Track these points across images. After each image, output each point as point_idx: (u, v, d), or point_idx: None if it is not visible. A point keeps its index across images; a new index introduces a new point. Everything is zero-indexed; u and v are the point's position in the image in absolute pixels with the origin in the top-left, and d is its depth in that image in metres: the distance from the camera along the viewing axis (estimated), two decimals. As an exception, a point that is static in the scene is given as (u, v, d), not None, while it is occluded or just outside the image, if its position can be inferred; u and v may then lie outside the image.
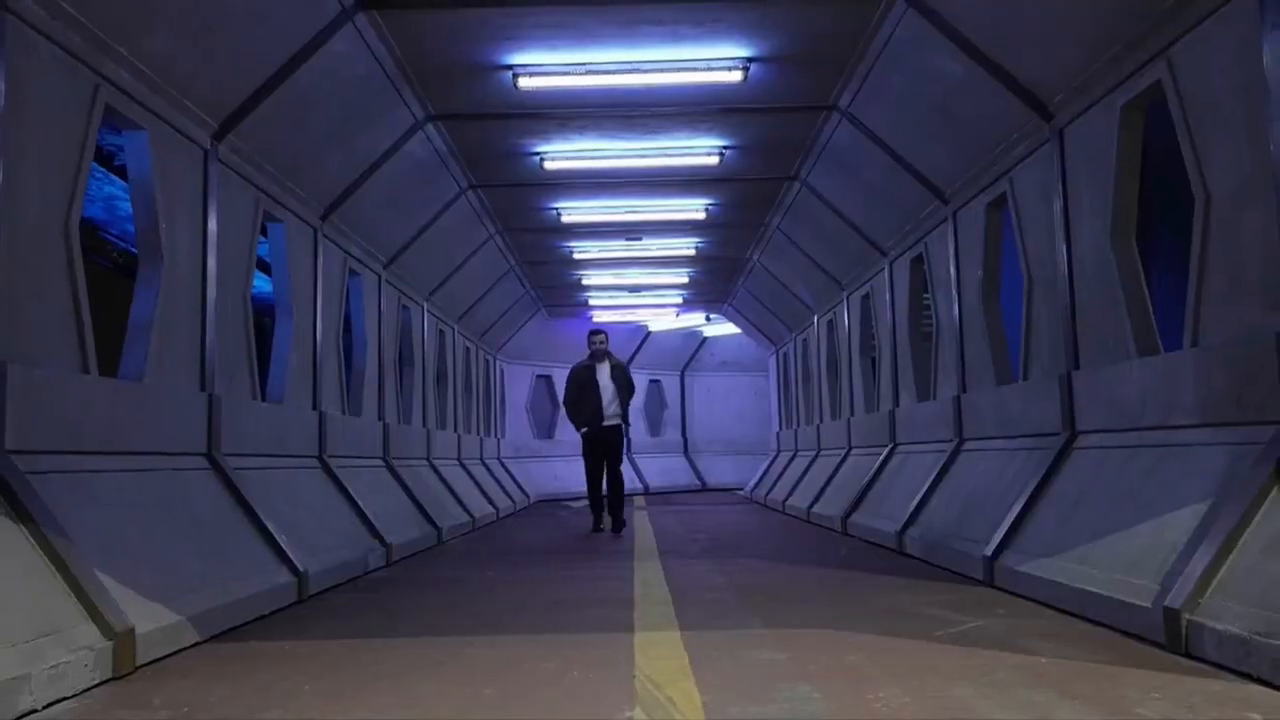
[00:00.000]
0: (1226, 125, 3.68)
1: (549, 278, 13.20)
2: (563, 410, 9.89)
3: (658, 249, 11.58)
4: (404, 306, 9.58)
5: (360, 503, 6.69)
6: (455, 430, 11.96)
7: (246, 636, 3.94)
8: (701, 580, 5.43)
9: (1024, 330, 5.71)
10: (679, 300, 15.29)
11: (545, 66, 6.03)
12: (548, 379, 18.06)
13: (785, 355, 15.20)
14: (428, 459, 10.11)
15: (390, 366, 8.94)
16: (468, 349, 13.12)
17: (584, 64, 5.98)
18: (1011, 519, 4.92)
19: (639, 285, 14.03)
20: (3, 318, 3.38)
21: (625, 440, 9.34)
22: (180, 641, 3.62)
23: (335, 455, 6.88)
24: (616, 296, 14.85)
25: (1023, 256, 5.67)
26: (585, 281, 13.56)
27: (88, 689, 2.98)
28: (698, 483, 19.54)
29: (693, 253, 11.72)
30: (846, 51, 5.93)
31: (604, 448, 9.10)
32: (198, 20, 4.33)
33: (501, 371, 16.36)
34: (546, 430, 18.18)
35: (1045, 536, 4.58)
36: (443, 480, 10.10)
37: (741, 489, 17.18)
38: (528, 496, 14.99)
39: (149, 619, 3.43)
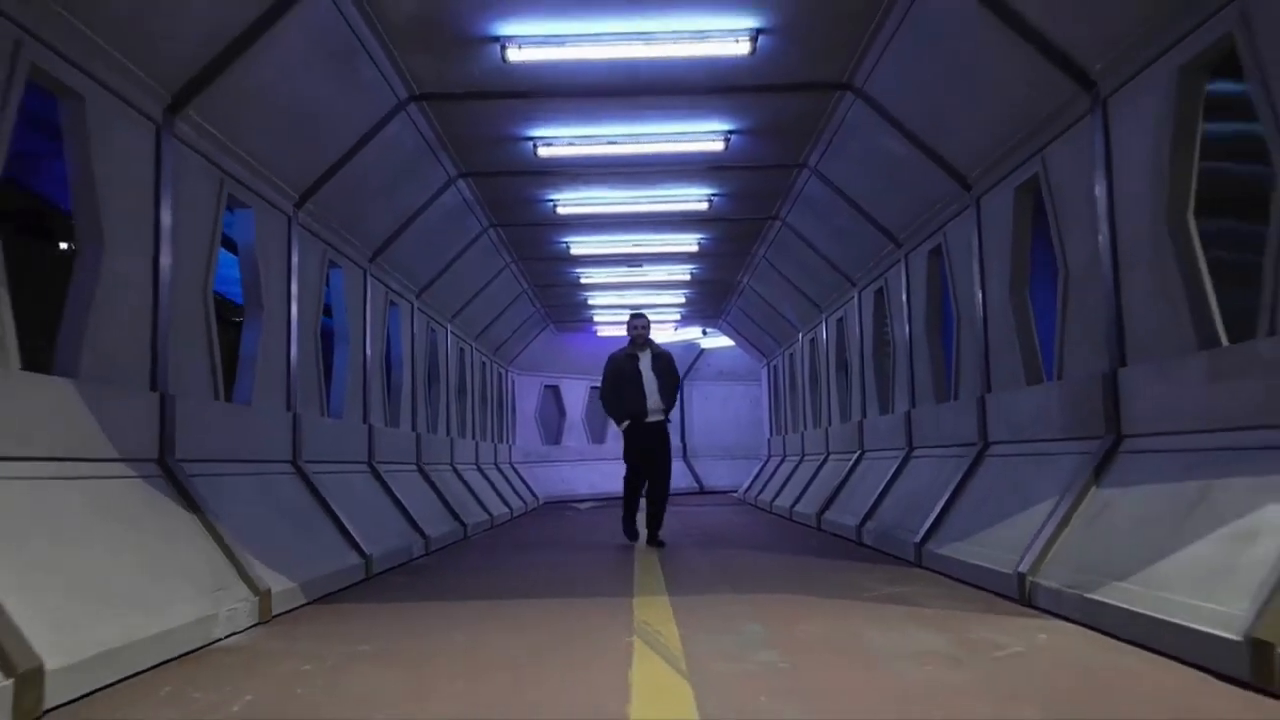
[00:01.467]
0: (1077, 216, 4.93)
1: (557, 298, 14.45)
2: (601, 405, 8.55)
3: (656, 275, 12.83)
4: (431, 329, 10.84)
5: (403, 502, 7.93)
6: (473, 438, 13.20)
7: (336, 601, 5.17)
8: (690, 563, 6.66)
9: (955, 358, 6.95)
10: (677, 316, 16.55)
11: (561, 137, 7.30)
12: (555, 389, 19.33)
13: (775, 367, 16.45)
14: (451, 464, 11.34)
15: (421, 383, 10.19)
16: (483, 364, 14.37)
17: (594, 136, 7.24)
18: (936, 513, 6.16)
19: (640, 305, 15.27)
20: (172, 362, 4.62)
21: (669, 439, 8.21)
22: (296, 601, 4.85)
23: (381, 461, 8.12)
24: (619, 314, 16.09)
25: (954, 298, 6.92)
26: (591, 302, 14.82)
27: (247, 628, 4.22)
28: (696, 485, 20.77)
29: (687, 277, 12.98)
30: (810, 127, 7.20)
31: (649, 448, 8.04)
32: (284, 121, 5.60)
33: (512, 382, 17.61)
34: (554, 437, 19.43)
35: (958, 525, 5.81)
36: (464, 483, 11.33)
37: (736, 491, 18.41)
38: (536, 498, 16.23)
39: (277, 583, 4.66)
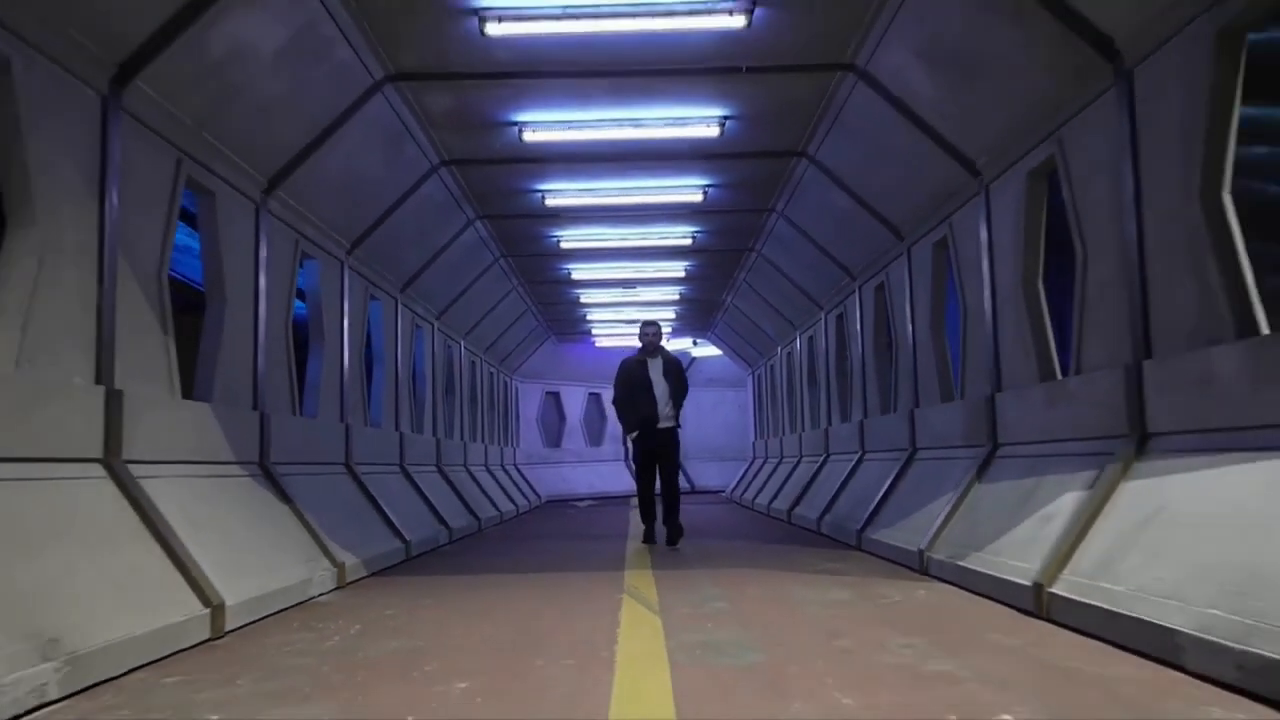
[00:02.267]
0: (972, 270, 6.30)
1: (559, 314, 15.82)
2: (611, 411, 8.24)
3: (648, 295, 14.20)
4: (448, 346, 12.20)
5: (430, 498, 9.29)
6: (482, 441, 14.56)
7: (389, 575, 6.53)
8: (675, 550, 8.01)
9: (894, 378, 8.33)
10: (668, 330, 17.92)
11: (568, 189, 8.68)
12: (556, 395, 20.69)
13: (759, 376, 17.82)
14: (464, 465, 12.70)
15: (440, 393, 11.55)
16: (491, 373, 15.74)
17: (596, 189, 8.63)
18: (873, 506, 7.53)
19: (634, 319, 16.64)
20: (266, 387, 5.98)
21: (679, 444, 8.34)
22: (361, 573, 6.21)
23: (410, 463, 9.48)
24: (615, 327, 17.47)
25: (892, 329, 8.29)
26: (589, 317, 16.19)
27: (331, 590, 5.57)
28: (687, 485, 22.12)
29: (676, 296, 14.36)
30: (778, 177, 8.58)
31: (659, 453, 8.18)
32: (341, 188, 6.95)
33: (516, 389, 18.97)
34: (554, 440, 20.79)
35: (888, 515, 7.18)
36: (476, 483, 12.69)
37: (725, 491, 19.78)
38: (539, 497, 17.58)
39: (348, 559, 6.01)
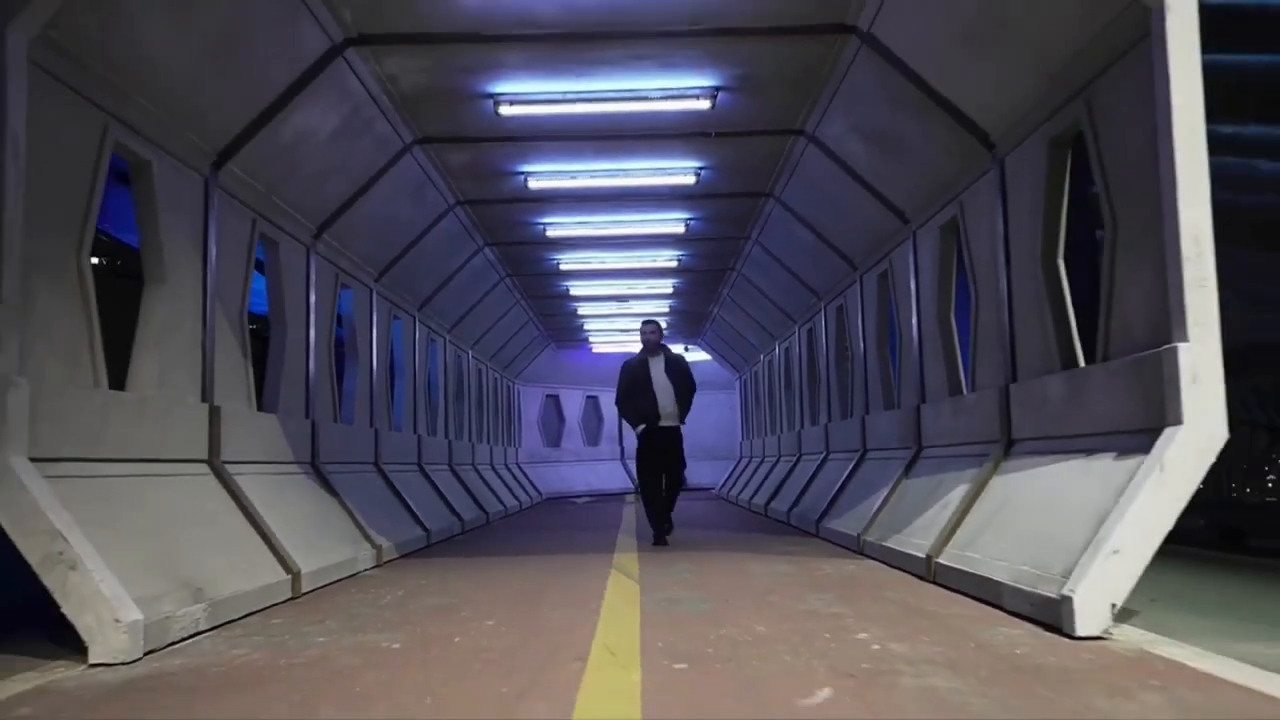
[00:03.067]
0: (905, 301, 7.52)
1: (558, 323, 17.04)
2: (609, 412, 8.46)
3: (640, 307, 15.43)
4: (458, 355, 13.42)
5: (445, 493, 10.51)
6: (488, 442, 15.79)
7: (417, 557, 7.74)
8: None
9: (851, 388, 9.55)
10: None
11: (566, 222, 9.90)
12: (555, 398, 21.91)
13: (745, 381, 19.05)
14: (472, 464, 13.92)
15: (451, 398, 12.77)
16: (495, 379, 16.96)
17: (591, 223, 9.86)
18: (829, 499, 8.75)
19: (628, 329, 17.88)
20: (316, 400, 7.20)
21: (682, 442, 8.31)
22: (393, 555, 7.42)
23: (426, 463, 10.70)
24: (610, 335, 18.69)
25: (848, 344, 9.52)
26: (586, 326, 17.42)
27: (371, 568, 6.79)
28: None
29: (666, 309, 15.59)
30: (750, 213, 9.80)
31: (662, 452, 8.18)
32: (375, 230, 8.16)
33: (518, 393, 20.19)
34: (554, 440, 22.01)
35: (839, 508, 8.40)
36: (483, 480, 13.91)
37: (715, 488, 20.99)
38: (540, 494, 18.80)
39: (383, 543, 7.23)
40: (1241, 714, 2.56)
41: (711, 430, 24.13)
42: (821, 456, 10.68)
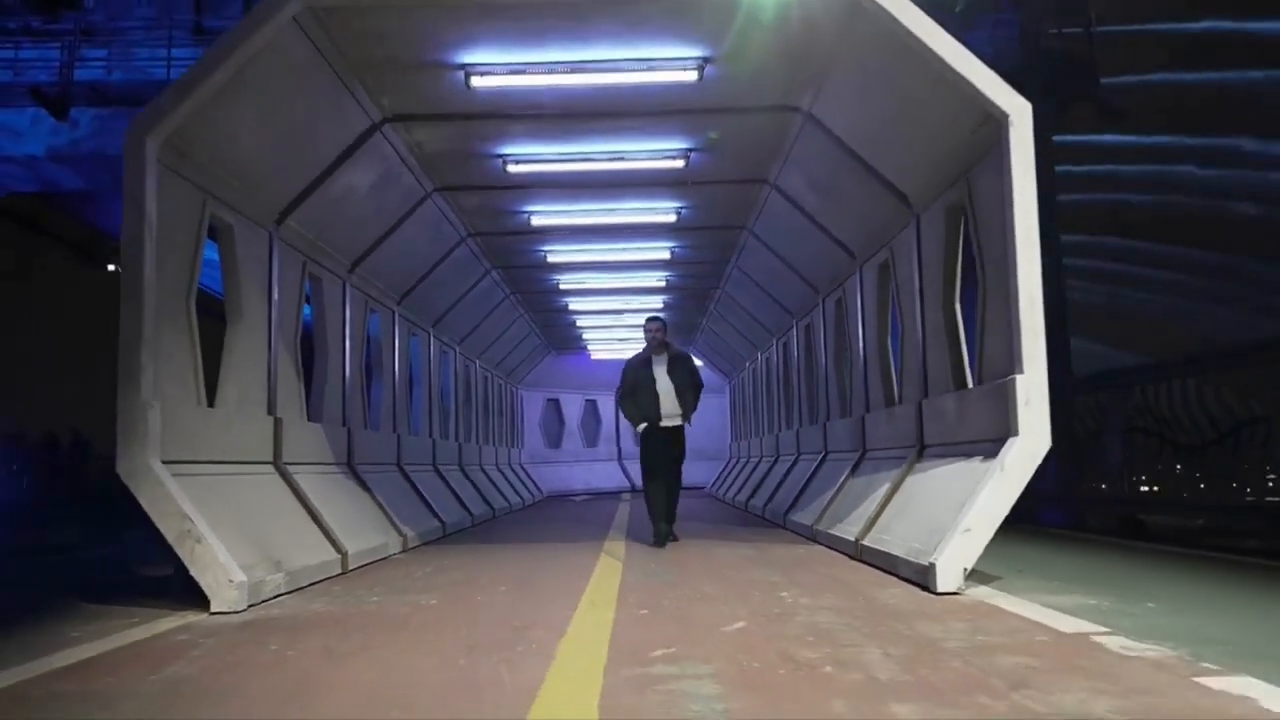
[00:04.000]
0: (854, 326, 8.78)
1: (558, 332, 18.30)
2: (606, 413, 8.09)
3: (635, 320, 16.68)
4: (467, 365, 14.69)
5: (457, 492, 11.76)
6: (494, 444, 17.04)
7: (435, 545, 8.99)
8: (647, 529, 10.47)
9: (816, 398, 10.79)
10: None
11: (567, 250, 11.17)
12: (556, 402, 23.18)
13: (734, 386, 20.31)
14: (480, 465, 15.17)
15: (461, 405, 14.03)
16: (500, 385, 18.22)
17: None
18: (794, 495, 10.00)
19: (625, 338, 19.15)
20: (350, 410, 8.46)
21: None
22: (416, 543, 8.66)
23: (440, 463, 11.95)
24: (608, 344, 19.96)
25: (824, 357, 10.77)
26: (585, 336, 18.69)
27: (399, 552, 8.04)
28: (674, 483, 24.60)
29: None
30: (733, 240, 11.06)
31: (663, 452, 8.07)
32: (394, 260, 9.41)
33: (521, 397, 21.45)
34: (555, 442, 23.28)
35: (802, 503, 9.64)
36: (489, 479, 15.16)
37: (706, 487, 22.25)
38: (541, 492, 20.05)
39: (408, 532, 8.47)
40: (1013, 635, 3.79)
41: (704, 433, 25.19)
42: (794, 458, 11.93)
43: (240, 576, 4.83)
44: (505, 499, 15.16)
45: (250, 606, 4.89)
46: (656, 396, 7.93)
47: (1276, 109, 21.57)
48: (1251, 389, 7.68)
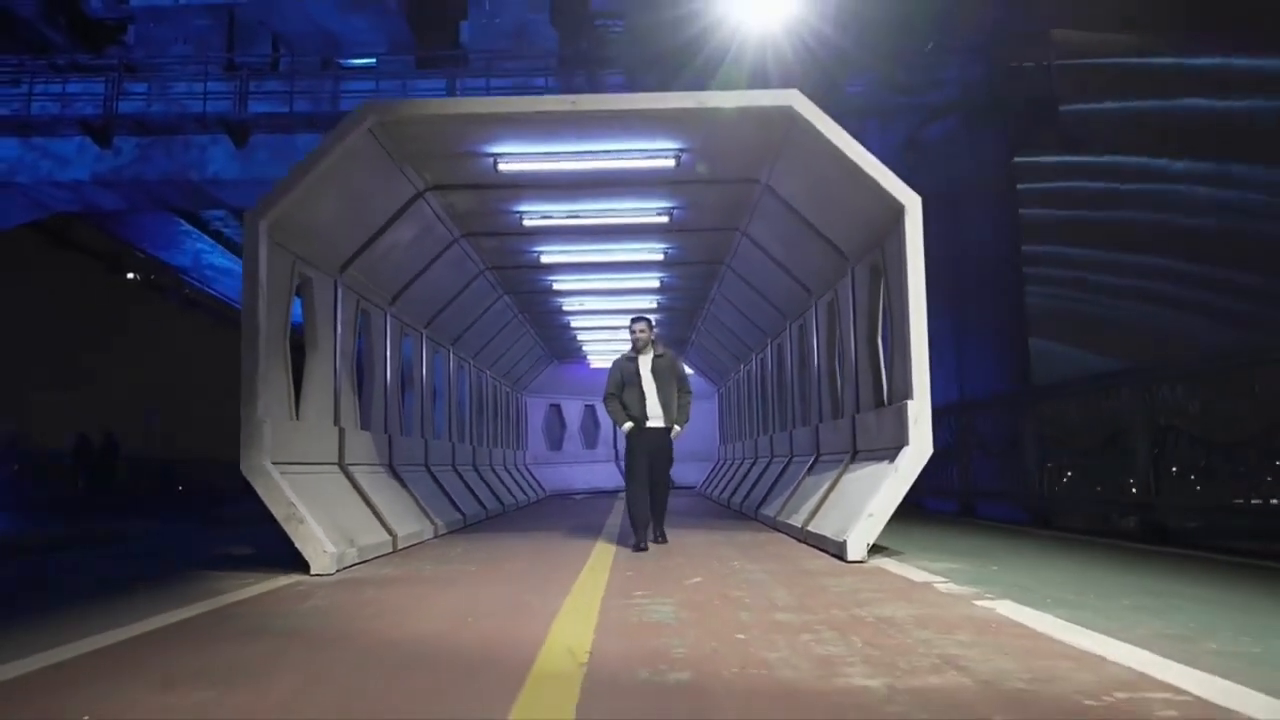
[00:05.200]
0: (809, 354, 10.48)
1: (559, 344, 20.00)
2: (605, 417, 7.68)
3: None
4: (479, 374, 16.38)
5: (473, 489, 13.46)
6: (501, 446, 18.73)
7: (460, 533, 10.66)
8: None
9: (786, 407, 12.50)
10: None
11: (571, 280, 12.88)
12: (557, 407, 24.88)
13: (722, 393, 22.02)
14: (490, 465, 16.85)
15: (475, 411, 15.74)
16: (506, 392, 19.92)
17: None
18: (765, 492, 11.70)
19: (621, 348, 20.84)
20: (391, 419, 10.15)
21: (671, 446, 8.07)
22: (444, 531, 10.33)
23: (459, 465, 13.65)
24: (606, 355, 21.65)
25: (791, 374, 12.47)
26: (585, 348, 20.40)
27: (432, 538, 9.72)
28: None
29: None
30: (713, 273, 12.78)
31: (648, 454, 7.91)
32: (428, 295, 11.10)
33: (525, 403, 23.14)
34: (556, 444, 24.98)
35: (769, 499, 11.33)
36: (499, 478, 16.85)
37: (696, 487, 23.96)
38: (544, 490, 21.74)
39: (438, 522, 10.16)
40: (881, 584, 5.47)
41: (695, 436, 26.77)
42: (768, 460, 13.63)
43: (331, 548, 6.53)
44: (513, 496, 16.85)
45: (337, 571, 6.58)
46: (643, 396, 7.86)
47: (1204, 132, 23.84)
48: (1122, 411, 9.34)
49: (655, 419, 7.96)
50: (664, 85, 17.98)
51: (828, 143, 6.83)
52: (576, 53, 21.57)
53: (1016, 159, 22.77)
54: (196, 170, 20.49)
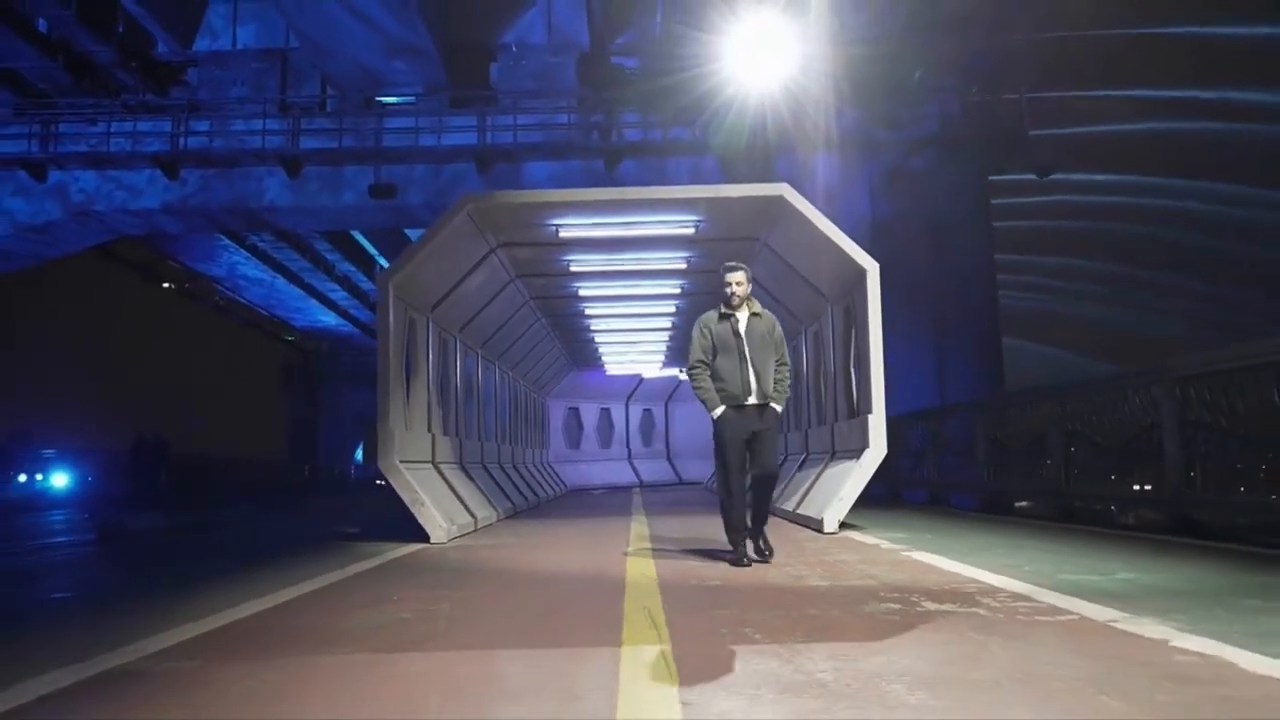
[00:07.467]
0: (796, 374, 12.85)
1: (580, 352, 22.36)
2: (689, 383, 6.36)
3: (645, 341, 20.77)
4: (514, 383, 18.75)
5: (515, 484, 15.81)
6: (528, 446, 21.11)
7: (515, 519, 13.01)
8: (661, 511, 14.52)
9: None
10: (660, 359, 24.45)
11: (601, 309, 15.27)
12: (576, 410, 27.29)
13: (727, 398, 24.40)
14: (523, 463, 19.21)
15: (513, 417, 18.11)
16: (535, 397, 22.29)
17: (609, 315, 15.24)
18: (764, 484, 14.06)
19: (637, 357, 23.22)
20: (459, 425, 12.51)
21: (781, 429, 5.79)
22: (503, 517, 12.70)
23: (503, 463, 16.00)
24: (622, 362, 24.04)
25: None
26: (602, 354, 22.77)
27: (497, 522, 12.08)
28: (676, 478, 28.66)
29: (663, 345, 20.91)
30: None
31: (748, 438, 6.28)
32: (492, 328, 13.45)
33: (547, 406, 25.51)
34: (575, 444, 27.38)
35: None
36: (532, 474, 19.20)
37: (703, 482, 26.32)
38: (565, 486, 24.11)
39: (500, 509, 12.51)
40: (844, 546, 7.80)
41: (703, 435, 28.78)
42: (767, 458, 16.00)
43: (445, 524, 8.89)
44: (545, 490, 19.22)
45: (449, 541, 8.94)
46: (742, 365, 6.23)
47: (1148, 150, 26.58)
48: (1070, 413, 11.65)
49: (754, 395, 6.25)
50: (674, 122, 20.31)
51: (809, 221, 9.20)
52: (595, 94, 23.89)
53: (991, 177, 25.22)
54: (255, 199, 22.90)
